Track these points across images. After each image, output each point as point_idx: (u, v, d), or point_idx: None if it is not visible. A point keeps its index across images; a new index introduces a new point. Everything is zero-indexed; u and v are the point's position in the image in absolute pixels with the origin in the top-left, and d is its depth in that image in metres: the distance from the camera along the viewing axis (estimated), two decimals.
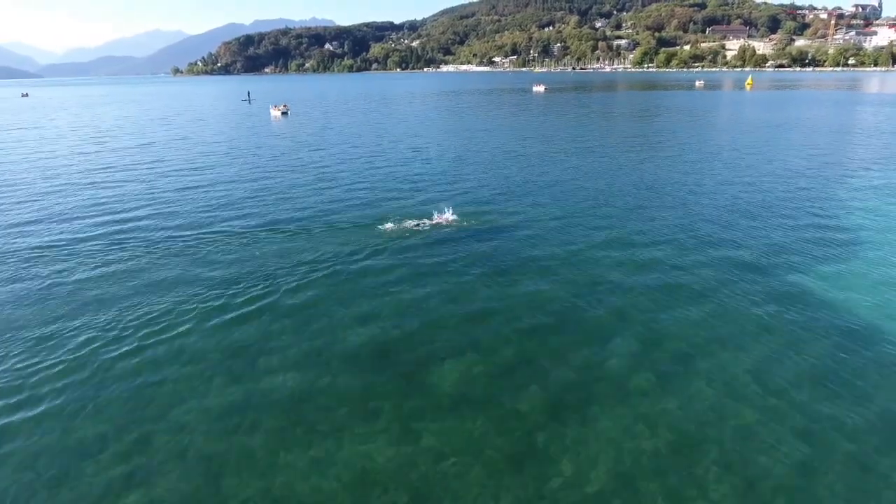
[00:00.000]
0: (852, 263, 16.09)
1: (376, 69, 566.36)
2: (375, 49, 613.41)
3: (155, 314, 13.06)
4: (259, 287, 14.56)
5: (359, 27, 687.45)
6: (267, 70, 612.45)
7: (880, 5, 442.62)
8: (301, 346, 11.65)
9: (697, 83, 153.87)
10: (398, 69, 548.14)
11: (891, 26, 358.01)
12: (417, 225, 19.93)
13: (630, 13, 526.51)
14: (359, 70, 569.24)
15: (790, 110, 69.71)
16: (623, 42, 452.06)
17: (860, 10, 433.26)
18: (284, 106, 73.48)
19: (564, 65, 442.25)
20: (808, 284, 14.57)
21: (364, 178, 29.67)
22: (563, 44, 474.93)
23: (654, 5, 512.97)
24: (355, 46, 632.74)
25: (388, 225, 19.99)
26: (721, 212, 21.79)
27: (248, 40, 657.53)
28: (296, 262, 16.43)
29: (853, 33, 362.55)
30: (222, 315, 13.02)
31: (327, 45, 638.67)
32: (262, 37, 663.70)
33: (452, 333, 12.11)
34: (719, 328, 12.21)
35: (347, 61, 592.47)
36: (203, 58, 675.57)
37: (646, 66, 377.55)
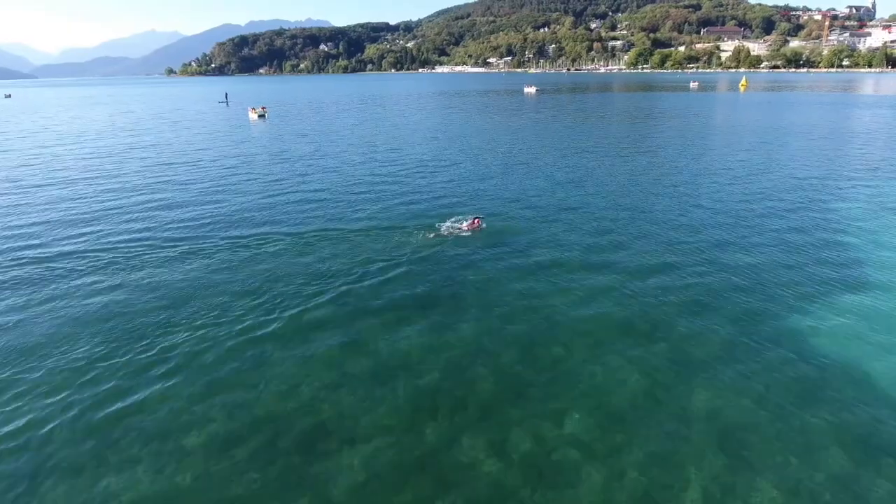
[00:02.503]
0: (856, 301, 13.88)
1: (371, 70, 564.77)
2: (370, 50, 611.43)
3: (36, 370, 10.90)
4: (180, 329, 12.34)
5: (354, 28, 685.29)
6: (261, 71, 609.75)
7: (874, 7, 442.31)
8: (184, 424, 9.30)
9: (692, 84, 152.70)
10: (393, 70, 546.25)
11: (884, 27, 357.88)
12: (386, 243, 17.88)
13: (625, 14, 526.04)
14: (353, 71, 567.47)
15: (785, 113, 67.88)
16: (618, 43, 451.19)
17: (854, 11, 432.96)
18: (262, 108, 71.08)
19: (559, 66, 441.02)
20: (802, 329, 12.38)
21: (325, 187, 27.37)
22: (558, 45, 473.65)
23: (648, 6, 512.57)
24: (350, 47, 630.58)
25: (342, 246, 17.87)
26: (712, 232, 19.61)
27: (242, 41, 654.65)
28: (227, 296, 14.15)
29: (847, 34, 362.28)
30: (116, 373, 10.76)
31: (322, 46, 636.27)
32: (256, 37, 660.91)
33: (368, 406, 9.77)
34: (691, 396, 9.97)
35: (342, 62, 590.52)
36: (197, 58, 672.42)
37: (640, 67, 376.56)
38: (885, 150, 37.52)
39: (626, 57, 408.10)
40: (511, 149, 40.03)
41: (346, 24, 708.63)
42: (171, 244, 18.52)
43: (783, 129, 50.48)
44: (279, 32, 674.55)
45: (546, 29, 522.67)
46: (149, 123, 65.21)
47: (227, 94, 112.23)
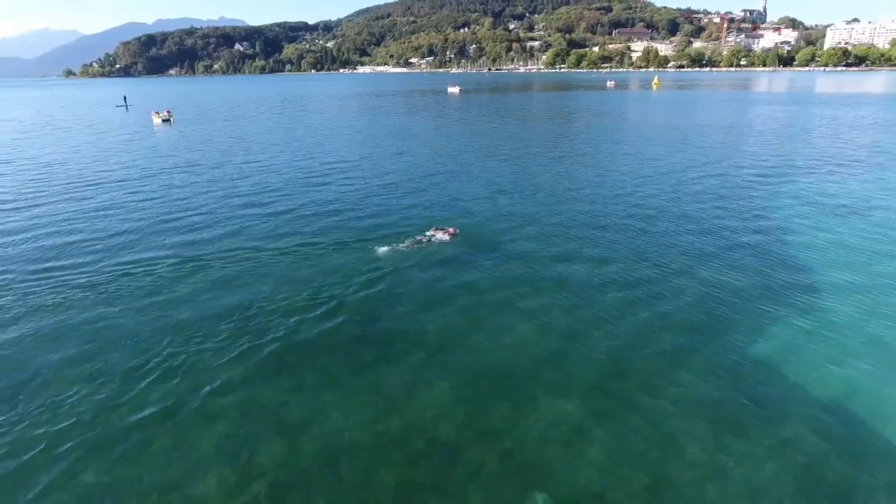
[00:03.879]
0: (807, 320, 13.03)
1: (290, 70, 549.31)
2: (289, 50, 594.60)
3: None
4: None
5: (271, 27, 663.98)
6: (172, 72, 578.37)
7: (765, 10, 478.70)
8: None
9: (609, 83, 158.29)
10: (313, 70, 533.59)
11: (774, 30, 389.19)
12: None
13: (541, 15, 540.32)
14: (271, 71, 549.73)
15: (698, 111, 70.66)
16: (536, 43, 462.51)
17: (748, 14, 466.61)
18: (168, 112, 65.70)
19: (480, 65, 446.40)
20: (754, 358, 11.31)
21: (240, 202, 24.42)
22: (478, 45, 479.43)
23: (563, 8, 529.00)
24: (267, 47, 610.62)
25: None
26: (643, 245, 18.63)
27: (149, 40, 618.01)
28: (109, 342, 11.41)
29: (743, 36, 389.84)
30: None
31: (237, 46, 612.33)
32: (165, 37, 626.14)
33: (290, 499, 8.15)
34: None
35: (259, 62, 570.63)
36: (100, 59, 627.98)
37: (558, 66, 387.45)
38: (797, 146, 39.12)
39: (544, 57, 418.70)
40: (444, 152, 38.45)
41: (261, 24, 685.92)
42: (42, 278, 15.45)
43: (703, 127, 52.10)
44: (190, 31, 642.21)
45: (466, 29, 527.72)
46: (35, 132, 58.43)
47: (125, 97, 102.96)
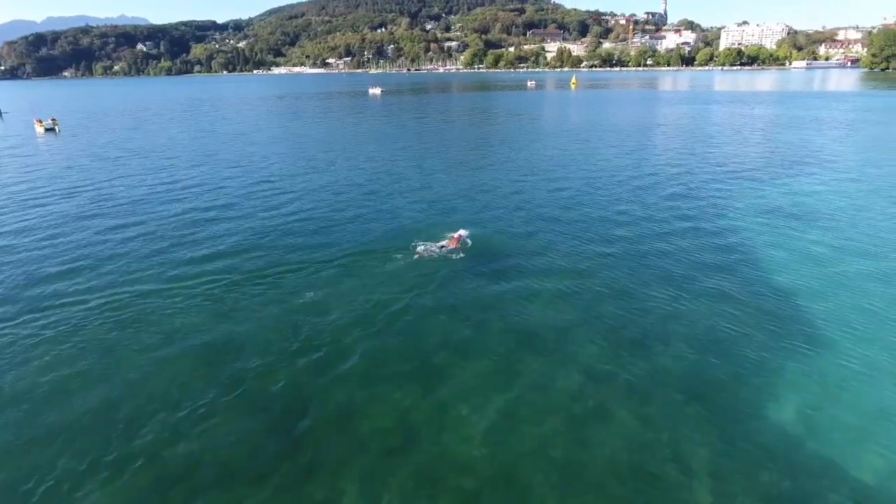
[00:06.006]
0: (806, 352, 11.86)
1: (200, 72, 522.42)
2: (197, 50, 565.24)
3: None
4: None
5: (176, 26, 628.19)
6: (66, 74, 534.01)
7: (665, 13, 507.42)
8: None
9: (529, 83, 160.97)
10: (225, 72, 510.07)
11: (675, 31, 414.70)
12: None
13: (457, 16, 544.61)
14: (179, 73, 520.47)
15: (622, 109, 72.03)
16: (454, 44, 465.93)
17: (651, 16, 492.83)
18: (52, 120, 58.29)
19: (399, 66, 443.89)
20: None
21: (141, 227, 20.71)
22: (396, 45, 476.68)
23: (478, 9, 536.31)
24: (174, 47, 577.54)
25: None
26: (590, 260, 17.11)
27: (38, 39, 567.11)
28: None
29: (647, 38, 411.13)
30: None
31: (140, 46, 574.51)
32: (56, 36, 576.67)
33: None
34: None
35: (165, 63, 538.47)
36: None
37: (476, 66, 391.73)
38: (742, 147, 39.96)
39: (462, 57, 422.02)
40: (379, 162, 35.83)
41: (166, 23, 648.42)
42: None
43: (635, 126, 52.66)
44: (86, 30, 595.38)
45: (383, 29, 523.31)
46: None
47: None
